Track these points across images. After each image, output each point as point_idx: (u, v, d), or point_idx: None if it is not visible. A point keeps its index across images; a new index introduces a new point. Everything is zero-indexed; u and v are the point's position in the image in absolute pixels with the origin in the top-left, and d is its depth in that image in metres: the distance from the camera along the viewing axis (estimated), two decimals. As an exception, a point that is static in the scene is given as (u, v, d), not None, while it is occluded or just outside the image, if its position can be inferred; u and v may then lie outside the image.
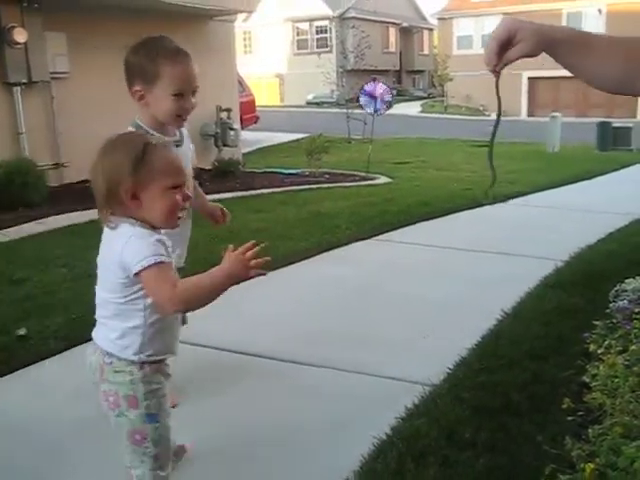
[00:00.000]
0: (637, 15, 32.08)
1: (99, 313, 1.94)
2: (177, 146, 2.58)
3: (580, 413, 2.62)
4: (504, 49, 1.46)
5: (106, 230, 1.86)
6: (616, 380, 2.75)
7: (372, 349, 3.59)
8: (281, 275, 5.10)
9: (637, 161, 13.24)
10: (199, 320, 4.05)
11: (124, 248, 1.76)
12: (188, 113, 2.57)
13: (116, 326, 1.87)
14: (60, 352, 3.50)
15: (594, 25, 34.12)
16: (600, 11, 34.52)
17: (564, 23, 35.55)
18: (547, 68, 35.50)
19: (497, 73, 1.53)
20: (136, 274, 1.73)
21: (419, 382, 3.03)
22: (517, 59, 1.46)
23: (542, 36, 1.43)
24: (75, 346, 3.53)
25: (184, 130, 2.74)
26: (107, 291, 1.87)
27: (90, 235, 6.40)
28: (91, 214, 7.07)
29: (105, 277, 1.87)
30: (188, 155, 2.70)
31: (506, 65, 1.49)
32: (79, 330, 3.71)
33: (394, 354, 3.51)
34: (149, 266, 1.71)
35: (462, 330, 3.77)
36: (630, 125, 17.32)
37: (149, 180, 1.77)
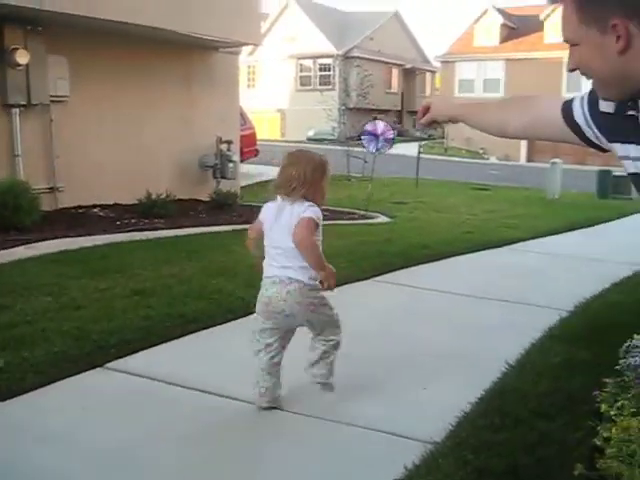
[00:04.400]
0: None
1: (287, 263, 3.01)
2: None
3: (594, 482, 2.42)
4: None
5: (280, 206, 3.05)
6: (632, 447, 2.56)
7: (368, 400, 3.39)
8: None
9: (637, 210, 13.15)
10: (174, 358, 3.88)
11: (301, 207, 2.99)
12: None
13: (305, 265, 3.00)
14: (36, 389, 3.29)
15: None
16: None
17: (564, 71, 35.85)
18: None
19: (421, 125, 2.10)
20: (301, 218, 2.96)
21: (420, 439, 2.82)
22: (426, 123, 2.09)
23: (440, 112, 2.07)
24: (53, 382, 3.33)
25: None
26: (290, 238, 2.96)
27: (81, 263, 6.22)
28: (83, 241, 6.95)
29: (282, 232, 2.99)
30: None
31: (423, 125, 2.10)
32: (59, 365, 3.52)
33: (392, 406, 3.31)
34: (309, 217, 2.97)
35: (465, 382, 3.58)
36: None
37: (325, 180, 3.10)
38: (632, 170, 1.52)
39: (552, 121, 1.72)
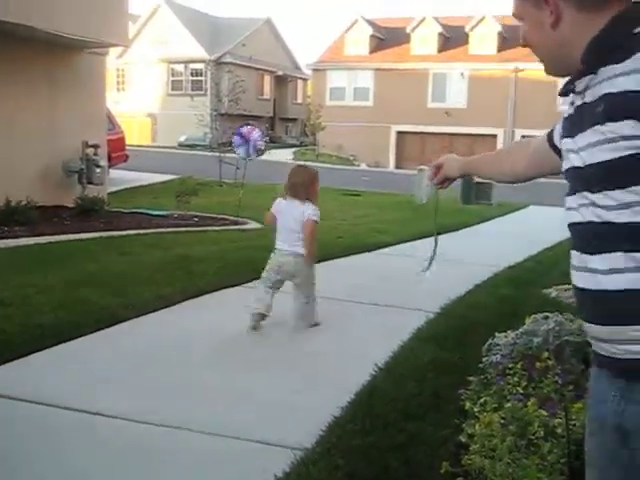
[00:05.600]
0: (493, 80, 34.76)
1: (291, 239, 4.63)
2: None
3: (459, 479, 2.48)
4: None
5: (290, 203, 4.63)
6: (494, 441, 2.65)
7: (237, 408, 3.33)
8: (142, 323, 4.75)
9: (496, 215, 13.86)
10: (35, 373, 3.66)
11: (308, 209, 4.57)
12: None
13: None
14: None
15: (457, 86, 36.05)
16: (463, 75, 36.47)
17: (430, 82, 37.34)
18: (415, 123, 36.55)
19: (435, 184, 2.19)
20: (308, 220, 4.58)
21: (290, 446, 2.79)
22: (440, 181, 2.16)
23: (451, 171, 2.15)
24: None
25: None
26: (299, 227, 4.56)
27: None
28: None
29: (295, 222, 4.57)
30: None
31: (440, 183, 2.18)
32: None
33: (262, 414, 3.26)
34: (314, 220, 4.60)
35: (335, 386, 3.58)
36: (491, 181, 18.14)
37: (316, 185, 4.73)
38: (568, 165, 1.48)
39: (545, 151, 1.80)
